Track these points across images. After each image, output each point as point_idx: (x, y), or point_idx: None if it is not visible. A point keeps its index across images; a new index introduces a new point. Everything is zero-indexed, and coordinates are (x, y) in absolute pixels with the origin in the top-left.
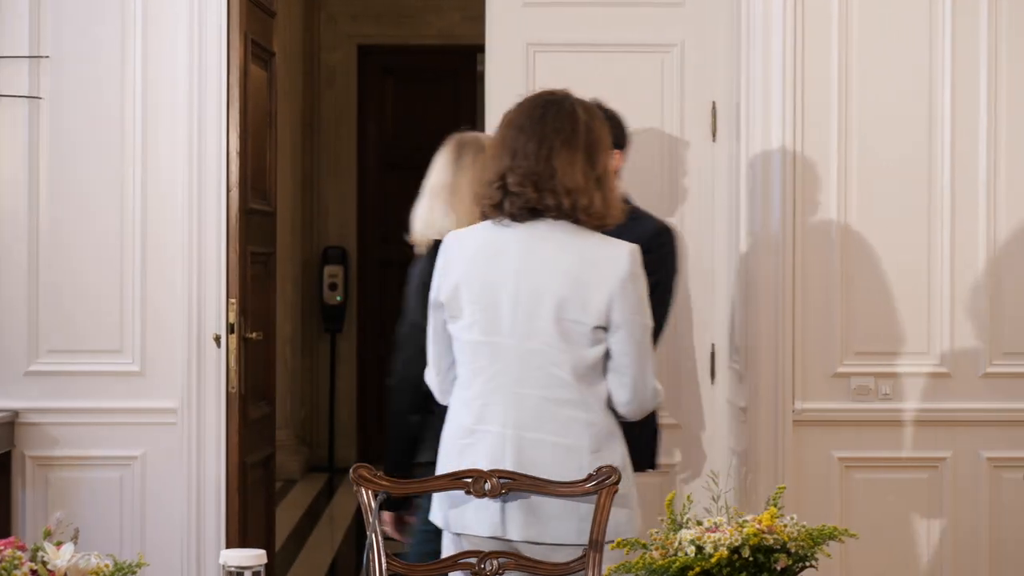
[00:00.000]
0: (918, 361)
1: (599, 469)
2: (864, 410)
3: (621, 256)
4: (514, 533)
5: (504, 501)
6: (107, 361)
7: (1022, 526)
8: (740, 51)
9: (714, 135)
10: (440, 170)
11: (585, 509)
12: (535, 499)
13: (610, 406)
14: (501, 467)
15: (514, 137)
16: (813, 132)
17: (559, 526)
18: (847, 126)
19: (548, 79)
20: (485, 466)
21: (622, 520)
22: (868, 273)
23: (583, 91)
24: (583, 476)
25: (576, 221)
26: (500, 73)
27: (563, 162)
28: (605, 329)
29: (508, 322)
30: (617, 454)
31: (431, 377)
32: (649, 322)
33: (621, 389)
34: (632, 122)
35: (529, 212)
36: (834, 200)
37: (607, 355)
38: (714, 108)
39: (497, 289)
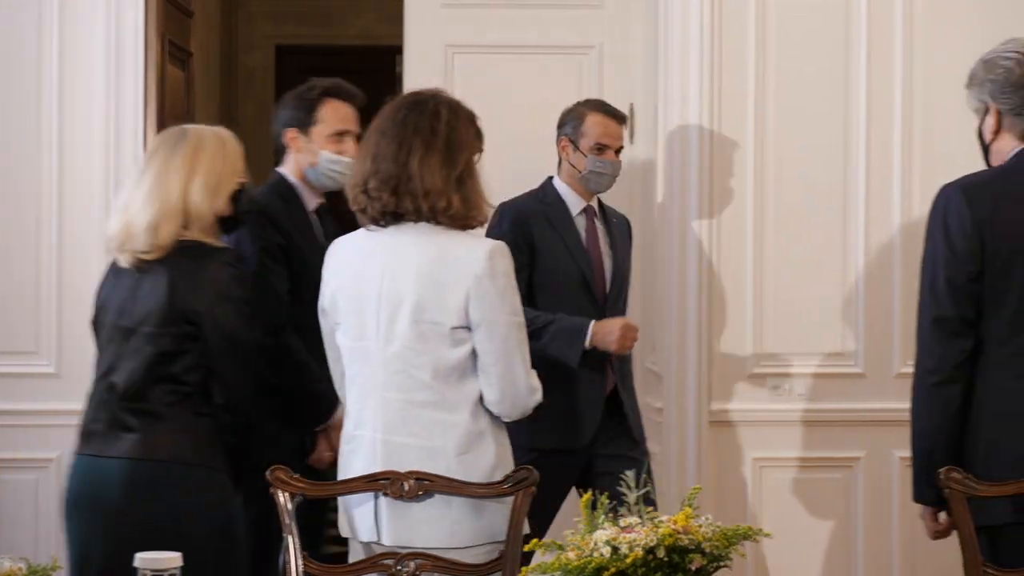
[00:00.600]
0: (833, 362)
1: (516, 471)
2: (779, 410)
3: (478, 254)
4: (387, 538)
5: (377, 507)
6: (22, 363)
7: None
8: (659, 53)
9: (632, 137)
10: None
11: (457, 513)
12: (408, 503)
13: (485, 406)
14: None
15: (376, 142)
16: (729, 134)
17: (428, 530)
18: (764, 128)
19: (467, 80)
20: (362, 472)
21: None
22: (783, 274)
23: (503, 92)
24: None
25: (437, 223)
26: (419, 75)
27: (421, 164)
28: (468, 329)
29: (373, 327)
30: (489, 455)
31: (336, 384)
32: (516, 319)
33: (489, 388)
34: (552, 124)
35: (391, 216)
36: (750, 202)
37: (474, 355)
38: (632, 110)
39: (364, 295)
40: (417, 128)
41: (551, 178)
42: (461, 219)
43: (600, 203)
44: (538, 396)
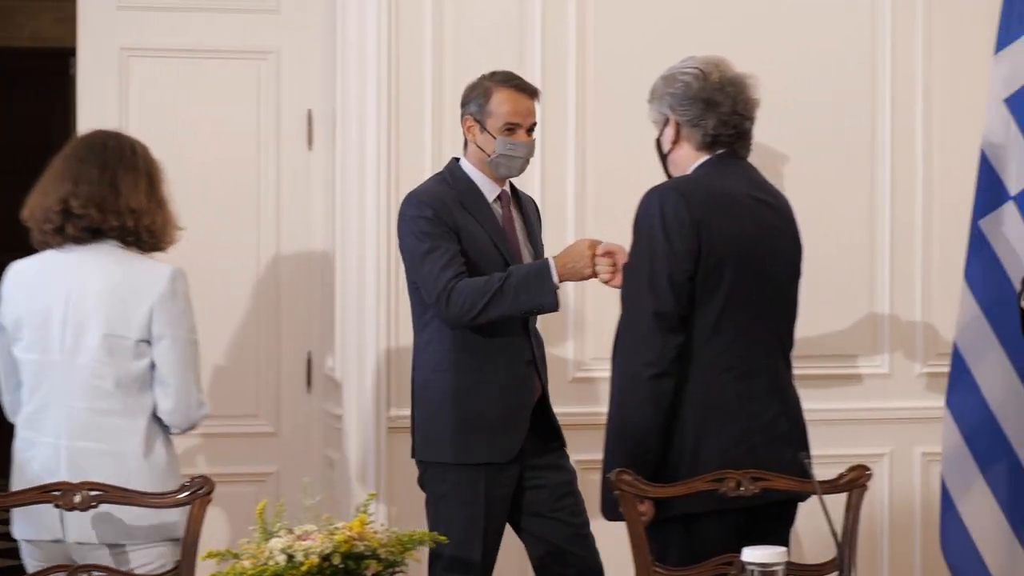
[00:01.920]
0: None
1: (193, 479)
2: None
3: (162, 275)
4: (72, 535)
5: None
6: None
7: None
8: (336, 59)
9: (310, 143)
10: None
11: (136, 512)
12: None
13: (156, 416)
14: (56, 477)
15: (75, 167)
16: (408, 140)
17: (103, 528)
18: (441, 133)
19: (143, 84)
20: (41, 476)
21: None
22: None
23: (179, 96)
24: (132, 479)
25: (138, 240)
26: (93, 78)
27: (127, 185)
28: (148, 343)
29: (58, 341)
30: (163, 458)
31: (3, 396)
32: (193, 336)
33: (165, 399)
34: (229, 129)
35: (92, 233)
36: None
37: (153, 367)
38: (310, 116)
39: (50, 311)
40: (120, 155)
41: (457, 160)
42: (158, 239)
43: (512, 187)
44: (206, 410)
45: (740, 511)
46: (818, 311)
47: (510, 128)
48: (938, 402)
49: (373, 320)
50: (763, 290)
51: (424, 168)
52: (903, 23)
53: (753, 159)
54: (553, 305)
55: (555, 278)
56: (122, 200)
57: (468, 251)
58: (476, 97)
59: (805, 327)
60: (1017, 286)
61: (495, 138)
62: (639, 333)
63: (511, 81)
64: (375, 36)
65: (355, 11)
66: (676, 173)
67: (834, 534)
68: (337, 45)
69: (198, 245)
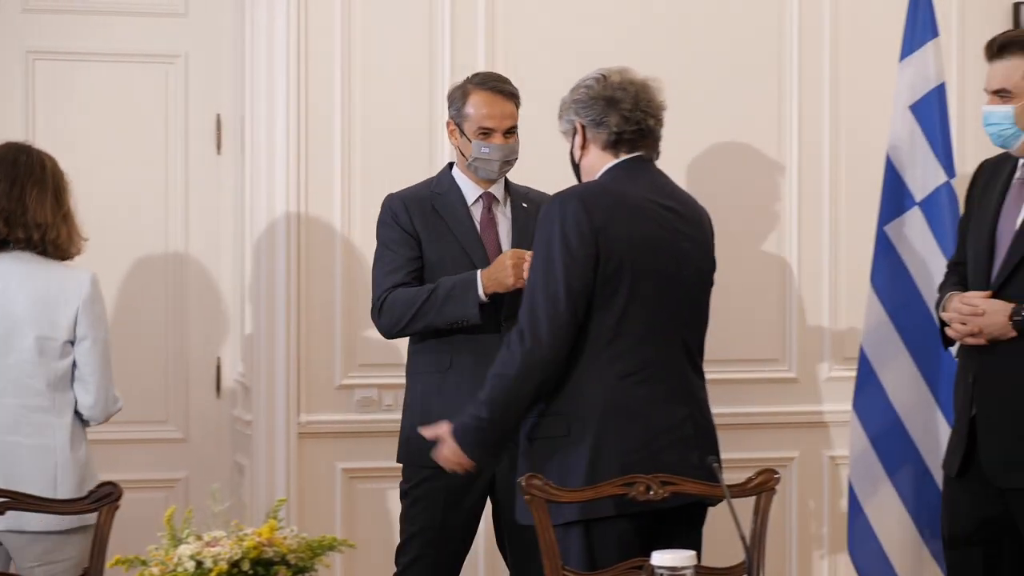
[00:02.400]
0: None
1: (100, 486)
2: (368, 421)
3: (83, 280)
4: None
5: None
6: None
7: None
8: (245, 63)
9: (219, 147)
10: None
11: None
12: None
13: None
14: None
15: None
16: (317, 144)
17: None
18: (351, 137)
19: (49, 88)
20: None
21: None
22: (369, 282)
23: (87, 100)
24: (59, 472)
25: (44, 251)
26: None
27: (34, 200)
28: (72, 343)
29: None
30: (85, 453)
31: None
32: (108, 337)
33: (86, 394)
34: (137, 133)
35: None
36: (338, 212)
37: (75, 365)
38: (219, 120)
39: None
40: (30, 171)
41: (451, 164)
42: (64, 250)
43: (508, 187)
44: (120, 404)
45: (644, 515)
46: (727, 317)
47: (484, 132)
48: (845, 406)
49: (282, 326)
50: (668, 294)
51: (333, 172)
52: (810, 28)
53: (662, 165)
54: (475, 317)
55: (480, 289)
56: (29, 215)
57: (429, 255)
58: (455, 100)
59: (714, 333)
60: (922, 290)
61: (471, 141)
62: (539, 330)
63: (486, 83)
64: (284, 40)
65: (264, 15)
66: (586, 179)
67: (743, 538)
68: (246, 49)
69: (106, 250)
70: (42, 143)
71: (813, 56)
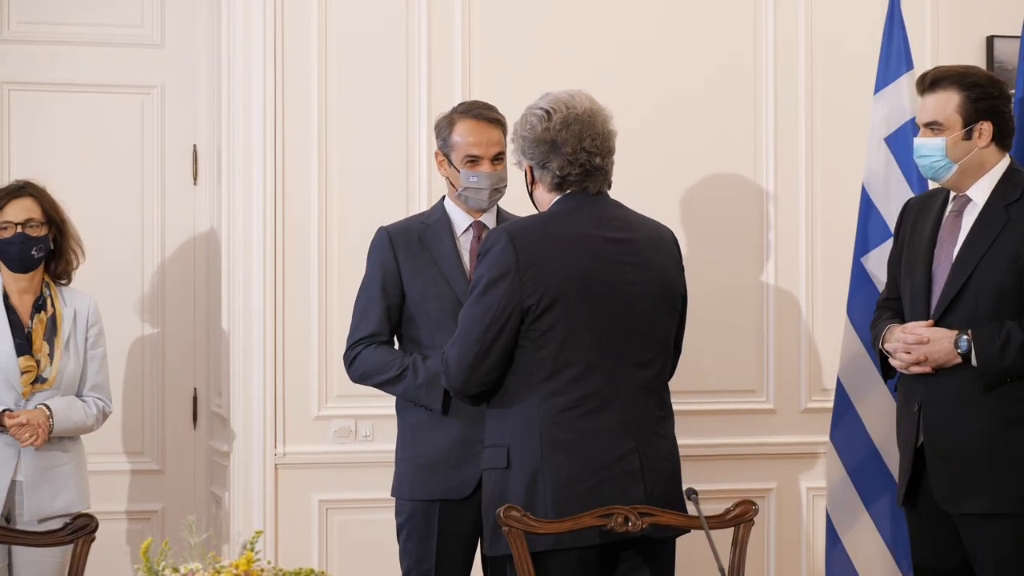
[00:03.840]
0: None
1: (75, 517)
2: (345, 452)
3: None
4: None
5: None
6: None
7: None
8: (221, 93)
9: (195, 178)
10: None
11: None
12: None
13: None
14: None
15: None
16: (294, 174)
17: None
18: (327, 167)
19: (24, 118)
20: None
21: None
22: (345, 317)
23: (63, 131)
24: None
25: None
26: None
27: None
28: None
29: None
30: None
31: None
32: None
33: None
34: (113, 164)
35: None
36: (315, 243)
37: None
38: (195, 151)
39: None
40: None
41: (443, 198)
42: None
43: (500, 215)
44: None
45: (598, 548)
46: (703, 347)
47: (471, 159)
48: (822, 437)
49: (260, 357)
50: (611, 324)
51: (310, 203)
52: (785, 60)
53: (637, 193)
54: (439, 411)
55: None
56: None
57: (412, 291)
58: (441, 130)
59: (691, 363)
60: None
61: (459, 171)
62: (448, 369)
63: (471, 111)
64: (260, 70)
65: (241, 46)
66: (541, 209)
67: (721, 570)
68: (222, 79)
69: (83, 281)
70: (17, 174)
71: (789, 86)
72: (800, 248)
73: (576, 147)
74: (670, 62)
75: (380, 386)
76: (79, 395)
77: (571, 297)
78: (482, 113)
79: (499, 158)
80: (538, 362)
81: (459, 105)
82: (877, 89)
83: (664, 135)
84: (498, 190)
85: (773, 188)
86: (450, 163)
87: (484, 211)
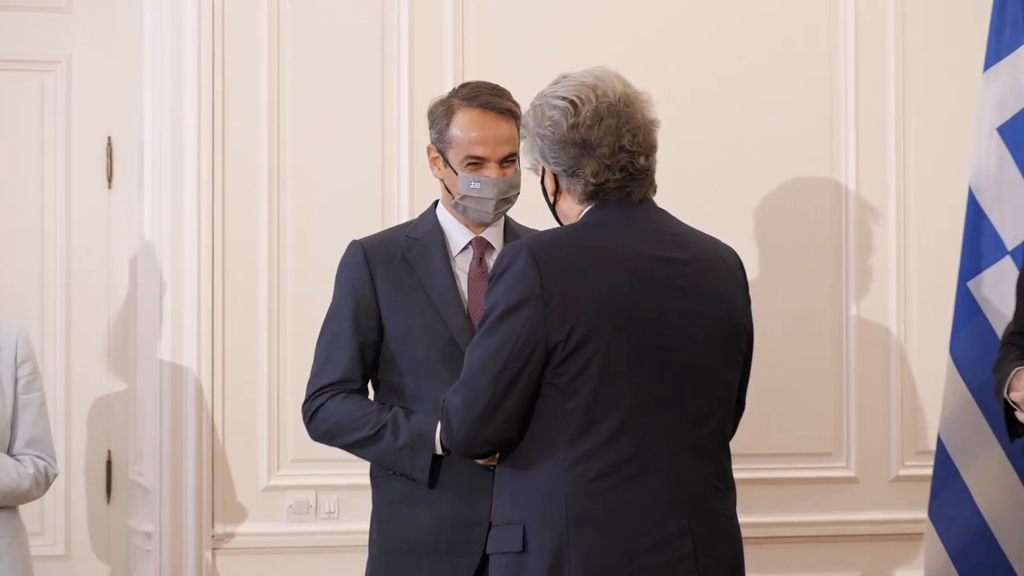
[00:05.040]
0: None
1: None
2: (303, 534)
3: None
4: None
5: None
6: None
7: None
8: (144, 73)
9: (110, 179)
10: None
11: None
12: None
13: None
14: None
15: None
16: (238, 178)
17: None
18: (280, 170)
19: None
20: None
21: None
22: (303, 362)
23: None
24: None
25: None
26: None
27: None
28: None
29: None
30: None
31: None
32: None
33: None
34: (5, 159)
35: None
36: (264, 270)
37: None
38: (110, 145)
39: None
40: None
41: (436, 202)
42: None
43: (508, 229)
44: None
45: None
46: (769, 401)
47: (474, 161)
48: (920, 513)
49: (193, 411)
50: (658, 367)
51: (259, 215)
52: (868, 34)
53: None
54: (425, 482)
55: (438, 449)
56: None
57: (393, 327)
58: (437, 119)
59: (752, 419)
60: None
61: (458, 174)
62: (450, 422)
63: (477, 97)
64: (195, 44)
65: (170, 12)
66: (566, 223)
67: None
68: (146, 55)
69: None
70: None
71: (873, 64)
72: (889, 270)
73: (614, 146)
74: (722, 38)
75: (349, 448)
76: (10, 452)
77: (608, 332)
78: (491, 101)
79: (510, 160)
80: (565, 415)
81: (460, 88)
82: (987, 65)
83: (713, 129)
84: (507, 200)
85: (854, 194)
86: (446, 163)
87: (488, 224)
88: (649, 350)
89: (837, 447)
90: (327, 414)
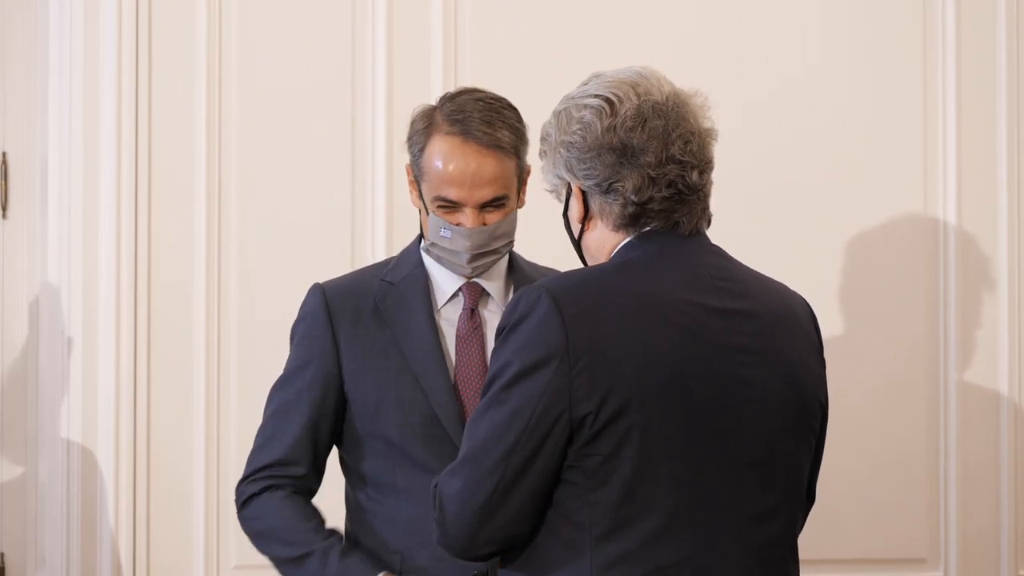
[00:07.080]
0: None
1: None
2: None
3: None
4: None
5: None
6: None
7: None
8: (50, 78)
9: (4, 207)
10: None
11: None
12: None
13: None
14: None
15: None
16: (168, 208)
17: None
18: (221, 197)
19: None
20: None
21: None
22: (250, 442)
23: None
24: None
25: None
26: None
27: None
28: None
29: None
30: None
31: None
32: None
33: None
34: None
35: None
36: (201, 315)
37: None
38: (4, 163)
39: None
40: None
41: (420, 237)
42: None
43: (513, 270)
44: None
45: None
46: (849, 493)
47: (445, 205)
48: None
49: (110, 505)
50: (713, 449)
51: (195, 250)
52: (971, 24)
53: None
54: None
55: None
56: None
57: (355, 390)
58: (416, 136)
59: (824, 515)
60: None
61: (429, 214)
62: (444, 516)
63: (462, 121)
64: (114, 40)
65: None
66: (593, 263)
67: None
68: (51, 55)
69: None
70: None
71: (978, 59)
72: (1000, 322)
73: (661, 154)
74: (786, 33)
75: (272, 561)
76: None
77: (651, 403)
78: (478, 130)
79: (498, 203)
80: (593, 507)
81: (449, 98)
82: None
83: (773, 142)
84: (488, 253)
85: (954, 225)
86: (420, 195)
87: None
88: (701, 427)
89: (933, 552)
90: (260, 511)
